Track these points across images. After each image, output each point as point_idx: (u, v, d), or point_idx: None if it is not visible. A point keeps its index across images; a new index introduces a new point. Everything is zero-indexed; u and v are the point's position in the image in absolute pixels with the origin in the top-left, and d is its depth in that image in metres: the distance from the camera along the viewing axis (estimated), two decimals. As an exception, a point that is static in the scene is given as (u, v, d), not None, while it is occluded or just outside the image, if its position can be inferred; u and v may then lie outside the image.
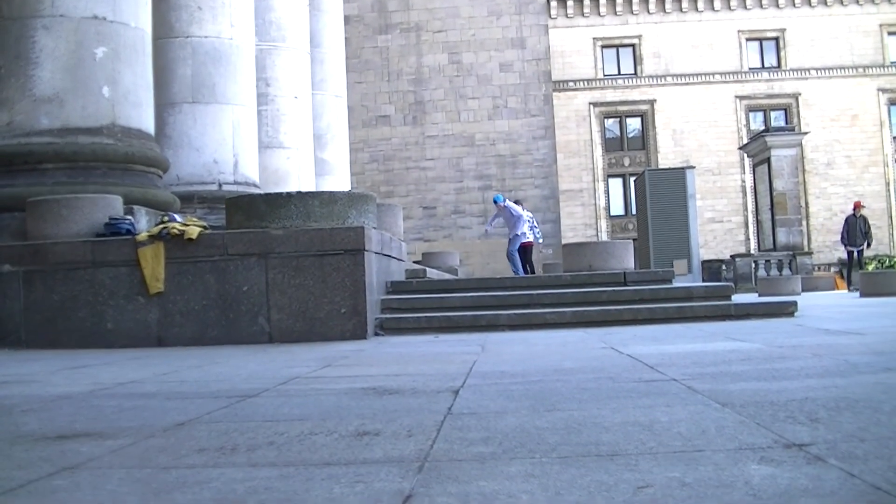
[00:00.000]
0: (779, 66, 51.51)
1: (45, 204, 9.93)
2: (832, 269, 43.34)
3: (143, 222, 10.39)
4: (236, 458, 2.87)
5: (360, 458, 2.80)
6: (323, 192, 11.62)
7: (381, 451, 2.88)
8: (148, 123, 11.92)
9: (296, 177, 18.61)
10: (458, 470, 2.56)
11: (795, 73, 51.10)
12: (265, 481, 2.51)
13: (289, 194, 10.05)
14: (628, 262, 14.27)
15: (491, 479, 2.40)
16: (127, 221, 9.88)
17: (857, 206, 27.84)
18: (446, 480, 2.42)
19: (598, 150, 50.75)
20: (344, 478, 2.50)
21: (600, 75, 51.36)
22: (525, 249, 24.05)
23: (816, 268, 41.10)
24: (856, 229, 27.40)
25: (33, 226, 9.91)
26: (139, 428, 3.59)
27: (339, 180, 23.05)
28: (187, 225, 9.33)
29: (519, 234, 22.00)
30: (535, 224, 25.13)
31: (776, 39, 51.62)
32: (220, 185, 14.26)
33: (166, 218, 9.69)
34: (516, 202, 26.83)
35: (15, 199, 10.34)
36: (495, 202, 22.65)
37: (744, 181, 49.77)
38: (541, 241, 25.61)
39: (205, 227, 9.47)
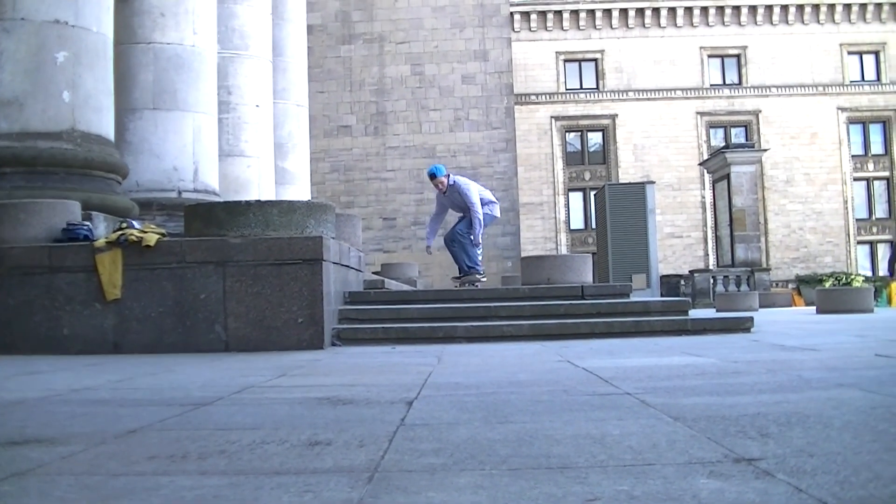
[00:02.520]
0: (740, 83, 51.96)
1: (3, 208, 9.84)
2: (790, 286, 43.70)
3: (102, 228, 10.32)
4: (187, 466, 2.86)
5: (311, 467, 2.79)
6: (282, 201, 11.60)
7: (332, 461, 2.88)
8: (108, 129, 11.85)
9: (256, 185, 18.54)
10: (407, 481, 2.56)
11: (756, 90, 51.57)
12: (214, 489, 2.50)
13: (248, 203, 10.03)
14: (587, 275, 14.31)
15: (440, 491, 2.40)
16: (85, 227, 9.81)
17: None
18: (395, 491, 2.42)
19: (559, 164, 50.99)
20: (293, 487, 2.50)
21: (562, 89, 51.66)
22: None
23: (774, 284, 41.47)
24: None
25: (-10, 230, 9.83)
26: (91, 434, 3.56)
27: (299, 190, 22.98)
28: (145, 232, 9.28)
29: (488, 211, 15.18)
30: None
31: (738, 57, 52.08)
32: (179, 193, 14.19)
33: (125, 224, 9.63)
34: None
35: (-29, 203, 10.26)
36: (433, 176, 15.15)
37: (703, 197, 50.13)
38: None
39: (163, 234, 9.42)
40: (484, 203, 15.02)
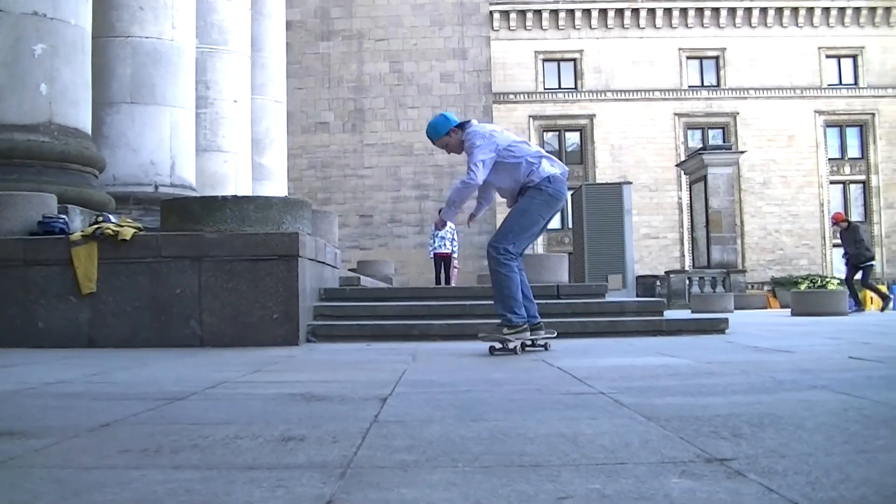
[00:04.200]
0: (718, 85, 52.17)
1: (-23, 200, 9.81)
2: (765, 288, 43.86)
3: (78, 222, 10.28)
4: (159, 460, 2.85)
5: (284, 462, 2.79)
6: (259, 196, 11.57)
7: (305, 457, 2.88)
8: (85, 122, 11.82)
9: (233, 181, 18.49)
10: (379, 477, 2.56)
11: (734, 92, 51.80)
12: (186, 483, 2.49)
13: (224, 198, 10.00)
14: (562, 275, 14.36)
15: (412, 487, 2.41)
16: (61, 220, 9.78)
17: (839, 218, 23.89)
18: (367, 487, 2.42)
19: (537, 164, 50.94)
20: (266, 482, 2.50)
21: (541, 88, 51.76)
22: (443, 261, 24.03)
23: (750, 286, 41.61)
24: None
25: (-36, 222, 9.79)
26: (64, 428, 3.55)
27: (276, 186, 22.94)
28: (122, 226, 9.25)
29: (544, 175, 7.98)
30: (456, 237, 24.94)
31: (716, 59, 52.30)
32: (156, 187, 14.15)
33: (101, 218, 9.60)
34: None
35: (-55, 195, 10.21)
36: (441, 132, 8.11)
37: (680, 198, 50.30)
38: (455, 253, 25.14)
39: (139, 229, 9.39)
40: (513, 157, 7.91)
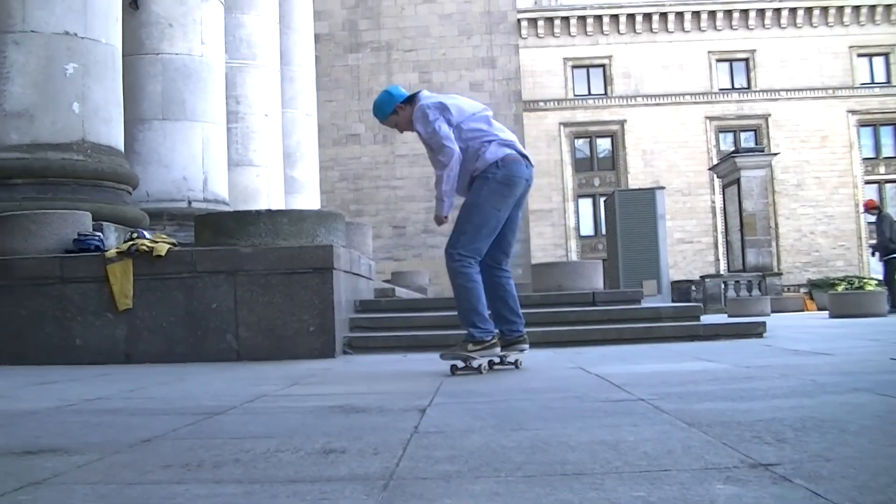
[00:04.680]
0: (749, 87, 51.90)
1: (14, 219, 9.86)
2: (801, 290, 43.56)
3: (112, 238, 10.34)
4: (201, 475, 2.85)
5: (326, 475, 2.78)
6: (292, 210, 11.62)
7: (347, 469, 2.87)
8: (118, 140, 11.88)
9: (265, 195, 18.54)
10: (422, 488, 2.55)
11: (765, 94, 51.51)
12: (229, 497, 2.49)
13: (258, 212, 10.04)
14: (597, 282, 14.30)
15: (456, 498, 2.39)
16: (96, 237, 9.83)
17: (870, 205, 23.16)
18: (411, 498, 2.41)
19: (569, 171, 51.00)
20: (309, 495, 2.49)
21: (570, 95, 51.66)
22: None
23: (786, 289, 41.30)
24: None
25: (1, 241, 9.84)
26: (105, 444, 3.56)
27: (308, 199, 22.99)
28: (156, 241, 9.29)
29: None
30: None
31: (746, 60, 52.06)
32: (189, 203, 14.20)
33: (135, 234, 9.64)
34: None
35: (-17, 215, 10.29)
36: (387, 111, 7.17)
37: (714, 202, 50.07)
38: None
39: (174, 244, 9.43)
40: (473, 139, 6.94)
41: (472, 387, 5.64)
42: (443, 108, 6.86)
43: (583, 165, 51.74)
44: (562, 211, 50.58)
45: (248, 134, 18.52)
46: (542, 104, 50.98)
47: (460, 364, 6.67)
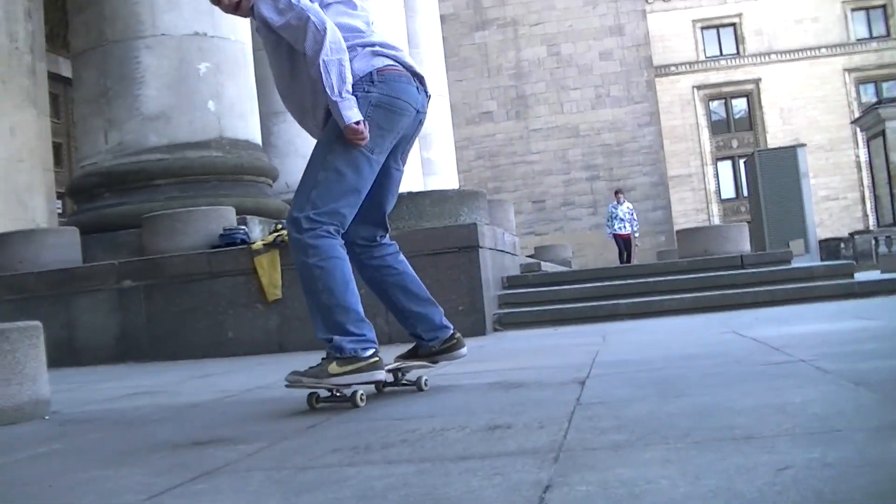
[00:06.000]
0: (888, 34, 50.36)
1: (160, 219, 10.13)
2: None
3: (257, 231, 10.54)
4: (371, 457, 2.89)
5: (495, 451, 2.80)
6: (433, 191, 11.66)
7: (515, 444, 2.88)
8: (254, 134, 12.08)
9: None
10: (594, 458, 2.55)
11: (907, 40, 49.97)
12: (402, 477, 2.52)
13: (399, 195, 10.10)
14: (744, 245, 14.08)
15: (628, 467, 2.38)
16: (241, 231, 10.03)
17: None
18: (583, 469, 2.41)
19: (705, 134, 50.24)
20: (481, 471, 2.50)
21: (702, 57, 50.85)
22: (625, 241, 24.34)
23: (941, 240, 40.09)
24: None
25: (149, 241, 10.12)
26: (271, 431, 3.64)
27: (445, 179, 23.09)
28: (301, 231, 9.42)
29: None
30: (635, 217, 25.30)
31: (884, 7, 50.50)
32: (329, 191, 14.33)
33: (279, 226, 9.81)
34: (617, 193, 26.67)
35: (131, 217, 10.60)
36: None
37: (858, 156, 48.81)
38: (637, 233, 25.64)
39: (319, 233, 9.54)
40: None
41: (628, 356, 5.62)
42: None
43: (719, 128, 50.95)
44: (701, 175, 49.89)
45: (383, 119, 18.59)
46: (673, 68, 50.29)
47: (323, 393, 4.38)
